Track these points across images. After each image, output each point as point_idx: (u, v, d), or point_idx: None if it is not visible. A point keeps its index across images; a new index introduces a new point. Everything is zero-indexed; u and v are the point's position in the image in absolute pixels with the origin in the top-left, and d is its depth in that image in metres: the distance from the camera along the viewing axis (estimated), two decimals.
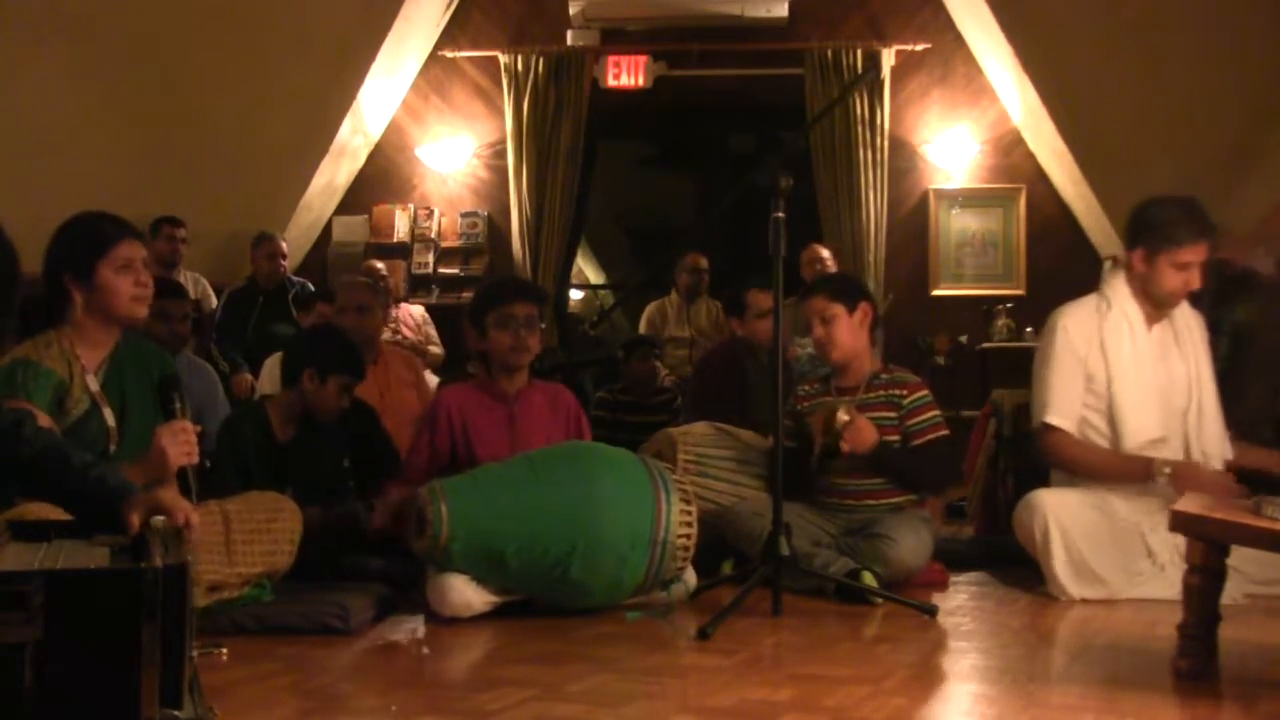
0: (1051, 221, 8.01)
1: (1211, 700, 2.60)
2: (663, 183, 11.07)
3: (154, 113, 7.46)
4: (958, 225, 8.08)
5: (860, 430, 3.89)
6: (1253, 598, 3.59)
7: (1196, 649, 2.73)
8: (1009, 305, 7.78)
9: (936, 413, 4.09)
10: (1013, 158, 8.03)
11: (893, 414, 4.06)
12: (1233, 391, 4.03)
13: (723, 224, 9.26)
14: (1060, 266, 7.80)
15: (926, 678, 2.84)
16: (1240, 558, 3.10)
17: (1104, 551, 3.71)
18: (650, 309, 7.46)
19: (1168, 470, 3.68)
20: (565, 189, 8.03)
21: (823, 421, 3.91)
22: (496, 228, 8.27)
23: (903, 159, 8.00)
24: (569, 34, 8.01)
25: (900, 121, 7.98)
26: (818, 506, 4.08)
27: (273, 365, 5.07)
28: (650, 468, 3.59)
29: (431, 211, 8.31)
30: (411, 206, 8.32)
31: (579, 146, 8.03)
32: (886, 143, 7.87)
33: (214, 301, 7.11)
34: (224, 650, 2.93)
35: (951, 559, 4.26)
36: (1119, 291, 3.89)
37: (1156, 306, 3.87)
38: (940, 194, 8.06)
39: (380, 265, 7.55)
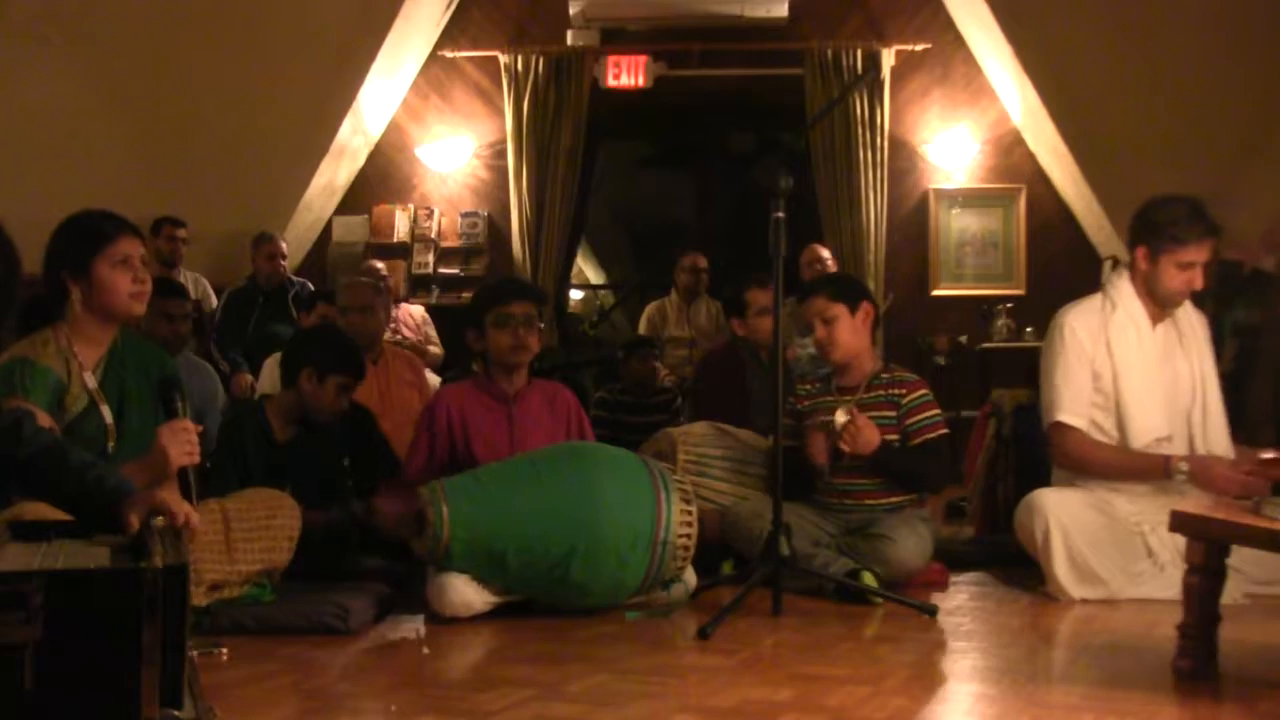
0: (1051, 221, 8.01)
1: (1211, 700, 2.60)
2: (663, 183, 11.06)
3: (154, 113, 7.46)
4: (958, 225, 8.08)
5: (861, 431, 3.89)
6: (1253, 598, 3.59)
7: (1196, 649, 2.73)
8: (1009, 305, 7.78)
9: (936, 412, 4.09)
10: (1013, 158, 8.03)
11: (892, 413, 4.06)
12: (1243, 393, 4.04)
13: (723, 224, 9.27)
14: (1060, 266, 7.80)
15: (926, 678, 2.84)
16: (1240, 558, 3.10)
17: (1104, 551, 3.71)
18: (650, 309, 7.46)
19: (1185, 467, 3.67)
20: (565, 189, 8.02)
21: (828, 435, 3.92)
22: (496, 228, 8.27)
23: (903, 159, 8.00)
24: (569, 34, 8.01)
25: (900, 121, 7.98)
26: (817, 506, 4.08)
27: (272, 365, 5.07)
28: (651, 468, 3.59)
29: (431, 211, 8.31)
30: (411, 206, 8.32)
31: (579, 146, 8.03)
32: (886, 143, 7.87)
33: (214, 301, 7.11)
34: (224, 650, 2.94)
35: (951, 559, 4.26)
36: (1123, 291, 3.89)
37: (1159, 306, 3.87)
38: (940, 194, 8.06)
39: (380, 265, 7.55)
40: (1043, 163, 7.97)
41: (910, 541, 3.87)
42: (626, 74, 7.94)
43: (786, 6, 7.71)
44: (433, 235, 8.27)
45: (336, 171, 8.08)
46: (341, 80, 7.60)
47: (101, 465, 2.30)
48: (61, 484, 2.23)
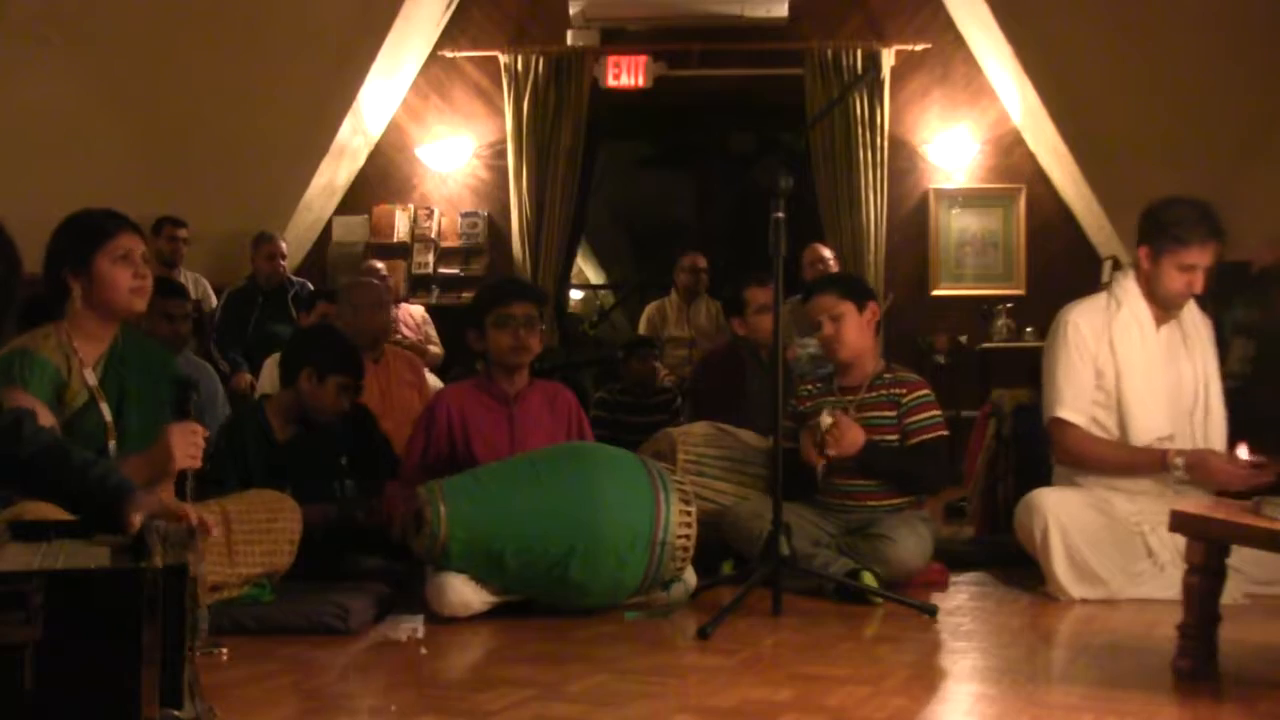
0: (1051, 221, 8.01)
1: (1211, 700, 2.61)
2: (663, 183, 11.06)
3: (154, 113, 7.47)
4: (958, 225, 8.08)
5: (844, 433, 3.88)
6: (1253, 598, 3.59)
7: (1196, 649, 2.73)
8: (1009, 305, 7.79)
9: (936, 413, 4.08)
10: (1013, 158, 8.03)
11: (892, 413, 4.06)
12: (1256, 394, 4.05)
13: (723, 224, 9.26)
14: (1060, 266, 7.81)
15: (926, 678, 2.84)
16: (1240, 558, 3.11)
17: (1104, 551, 3.71)
18: (650, 309, 7.46)
19: (1180, 461, 3.68)
20: (565, 189, 8.02)
21: (809, 437, 3.93)
22: (496, 228, 8.27)
23: (903, 159, 8.00)
24: (569, 34, 8.01)
25: (900, 121, 7.98)
26: (818, 506, 4.08)
27: (272, 365, 5.07)
28: (650, 468, 3.59)
29: (431, 211, 8.31)
30: (411, 206, 8.32)
31: (579, 146, 8.03)
32: (886, 143, 7.87)
33: (214, 301, 7.12)
34: (224, 650, 2.93)
35: (951, 559, 4.26)
36: (1129, 291, 3.89)
37: (1161, 307, 3.87)
38: (940, 194, 8.06)
39: (380, 265, 7.55)
40: (1043, 163, 7.97)
41: (910, 541, 3.87)
42: (626, 74, 7.94)
43: (786, 6, 7.71)
44: (433, 235, 8.27)
45: (336, 171, 8.08)
46: (341, 80, 7.60)
47: (103, 464, 2.30)
48: (63, 483, 2.23)
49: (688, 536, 3.51)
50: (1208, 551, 2.74)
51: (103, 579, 1.69)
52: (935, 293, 8.05)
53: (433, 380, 5.59)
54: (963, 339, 7.81)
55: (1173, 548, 3.58)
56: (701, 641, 3.12)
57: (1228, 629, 2.79)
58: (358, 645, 3.17)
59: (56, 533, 2.10)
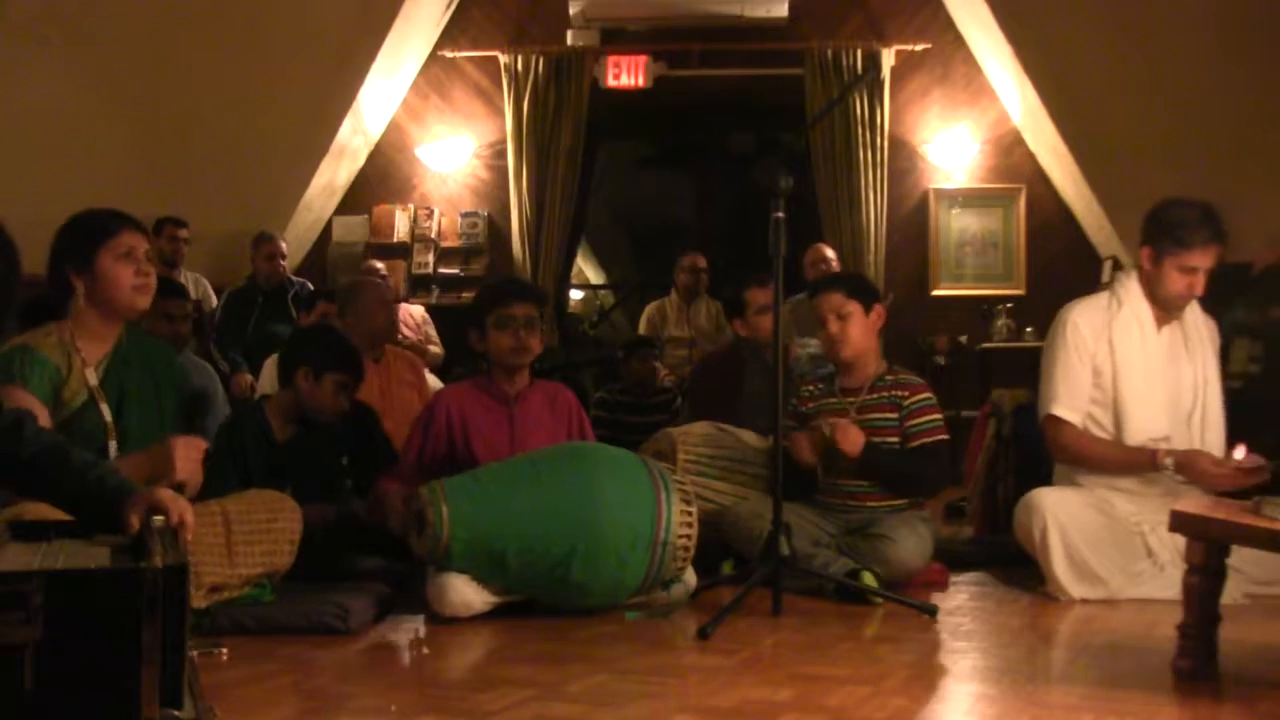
0: (1051, 221, 8.01)
1: (1211, 700, 2.61)
2: (663, 183, 11.06)
3: (154, 113, 7.47)
4: (958, 225, 8.08)
5: (845, 436, 3.90)
6: (1253, 598, 3.59)
7: (1196, 649, 2.73)
8: (1009, 305, 7.79)
9: (937, 416, 4.08)
10: (1013, 158, 8.03)
11: (894, 415, 4.06)
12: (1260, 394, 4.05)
13: (723, 224, 9.26)
14: (1060, 266, 7.81)
15: (926, 678, 2.84)
16: (1240, 558, 3.11)
17: (1104, 551, 3.71)
18: (650, 309, 7.46)
19: (1170, 461, 3.68)
20: (565, 189, 8.03)
21: (816, 442, 3.93)
22: (496, 228, 8.27)
23: (903, 159, 8.00)
24: (569, 34, 8.01)
25: (900, 121, 7.98)
26: (818, 506, 4.08)
27: (272, 365, 5.07)
28: (650, 468, 3.59)
29: (431, 211, 8.31)
30: (411, 206, 8.32)
31: (579, 146, 8.03)
32: (886, 143, 7.87)
33: (214, 301, 7.12)
34: (224, 650, 2.93)
35: (951, 559, 4.26)
36: (1131, 291, 3.90)
37: (1162, 308, 3.88)
38: (940, 194, 8.06)
39: (380, 265, 7.55)
40: (1043, 163, 7.97)
41: (910, 542, 3.87)
42: (626, 74, 7.94)
43: (786, 6, 7.71)
44: (433, 235, 8.27)
45: (336, 171, 8.08)
46: (341, 80, 7.60)
47: (103, 465, 2.30)
48: (63, 484, 2.23)
49: (689, 536, 3.51)
50: (1208, 551, 2.74)
51: (103, 579, 1.69)
52: (935, 293, 8.05)
53: (433, 380, 5.59)
54: (963, 339, 7.81)
55: (1173, 548, 3.58)
56: (701, 641, 3.12)
57: (1228, 629, 2.79)
58: (358, 645, 3.17)
59: (56, 533, 2.10)
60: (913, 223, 8.07)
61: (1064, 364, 3.88)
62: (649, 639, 3.25)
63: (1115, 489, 3.82)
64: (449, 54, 8.20)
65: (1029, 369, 4.27)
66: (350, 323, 4.90)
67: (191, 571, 1.81)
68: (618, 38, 8.10)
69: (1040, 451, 4.08)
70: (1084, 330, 3.88)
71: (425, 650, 3.21)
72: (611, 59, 7.96)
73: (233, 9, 7.31)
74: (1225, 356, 4.07)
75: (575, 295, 10.05)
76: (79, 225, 3.10)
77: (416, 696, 2.67)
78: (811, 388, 4.28)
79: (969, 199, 8.06)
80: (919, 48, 7.94)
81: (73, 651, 1.61)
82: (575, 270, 9.52)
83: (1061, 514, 3.74)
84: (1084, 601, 3.67)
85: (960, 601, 3.76)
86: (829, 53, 7.85)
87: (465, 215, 8.28)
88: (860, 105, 7.81)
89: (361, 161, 8.29)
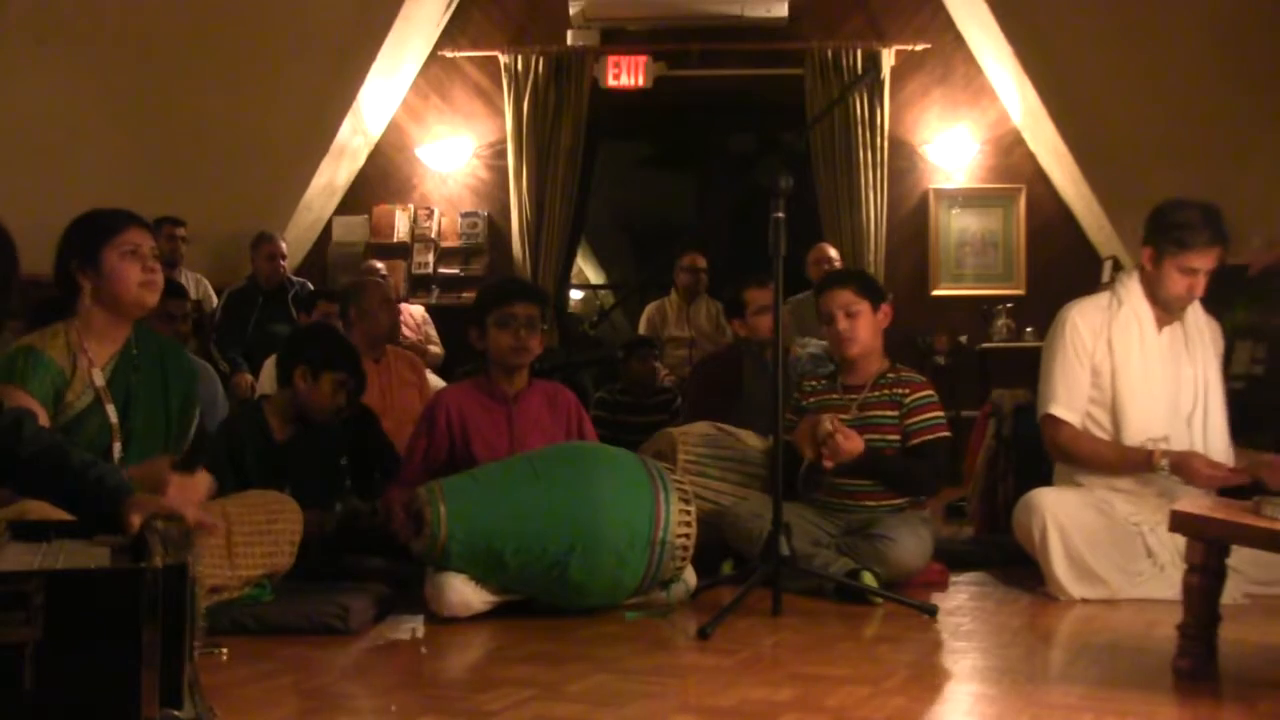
0: (1051, 221, 8.01)
1: (1211, 700, 2.61)
2: (663, 183, 11.06)
3: (154, 113, 7.47)
4: (958, 225, 8.08)
5: (843, 443, 3.86)
6: (1253, 598, 3.59)
7: (1196, 649, 2.73)
8: (1009, 305, 7.79)
9: (938, 414, 4.08)
10: (1013, 158, 8.03)
11: (895, 413, 4.06)
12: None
13: (723, 224, 9.25)
14: (1060, 266, 7.80)
15: (926, 678, 2.84)
16: (1240, 558, 3.11)
17: (1104, 551, 3.71)
18: (650, 309, 7.46)
19: (1165, 462, 3.69)
20: (565, 189, 8.03)
21: (809, 435, 3.91)
22: (496, 228, 8.27)
23: (903, 159, 8.00)
24: (569, 34, 8.01)
25: (900, 121, 7.98)
26: (818, 506, 4.08)
27: (272, 365, 5.07)
28: (649, 468, 3.59)
29: (431, 211, 8.31)
30: (411, 206, 8.32)
31: (579, 146, 8.03)
32: (886, 143, 7.87)
33: (214, 301, 7.12)
34: (224, 650, 2.93)
35: (951, 559, 4.26)
36: (1132, 291, 3.90)
37: (1163, 308, 3.87)
38: (940, 194, 8.06)
39: (380, 265, 7.55)
40: (1043, 163, 7.97)
41: (910, 542, 3.87)
42: (626, 74, 7.94)
43: (786, 6, 7.71)
44: (433, 235, 8.27)
45: (336, 171, 8.08)
46: (341, 80, 7.60)
47: (103, 465, 2.30)
48: (63, 483, 2.23)
49: (687, 536, 3.51)
50: (1208, 551, 2.74)
51: (103, 579, 1.69)
52: (935, 293, 8.05)
53: (434, 380, 5.60)
54: (963, 339, 7.81)
55: (1172, 548, 3.58)
56: (701, 641, 3.12)
57: (1228, 629, 2.80)
58: (358, 645, 3.17)
59: (56, 533, 2.10)
60: (913, 223, 8.07)
61: (1063, 363, 3.88)
62: (649, 639, 3.25)
63: (1115, 489, 3.82)
64: (449, 54, 8.20)
65: (1029, 369, 4.27)
66: (352, 322, 4.91)
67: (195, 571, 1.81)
68: (618, 38, 8.10)
69: (1040, 451, 4.08)
70: (1083, 330, 3.88)
71: (425, 650, 3.21)
72: (611, 59, 7.96)
73: (233, 9, 7.32)
74: (1228, 359, 4.06)
75: (575, 295, 10.05)
76: (84, 224, 3.11)
77: (416, 696, 2.67)
78: (813, 384, 4.27)
79: (969, 199, 8.06)
80: (919, 48, 7.94)
81: (73, 651, 1.62)
82: (575, 270, 9.52)
83: (1061, 514, 3.74)
84: (1084, 601, 3.67)
85: (960, 601, 3.76)
86: (829, 53, 7.85)
87: (465, 215, 8.28)
88: (860, 105, 7.81)
89: (361, 161, 8.29)
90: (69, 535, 2.10)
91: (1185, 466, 3.67)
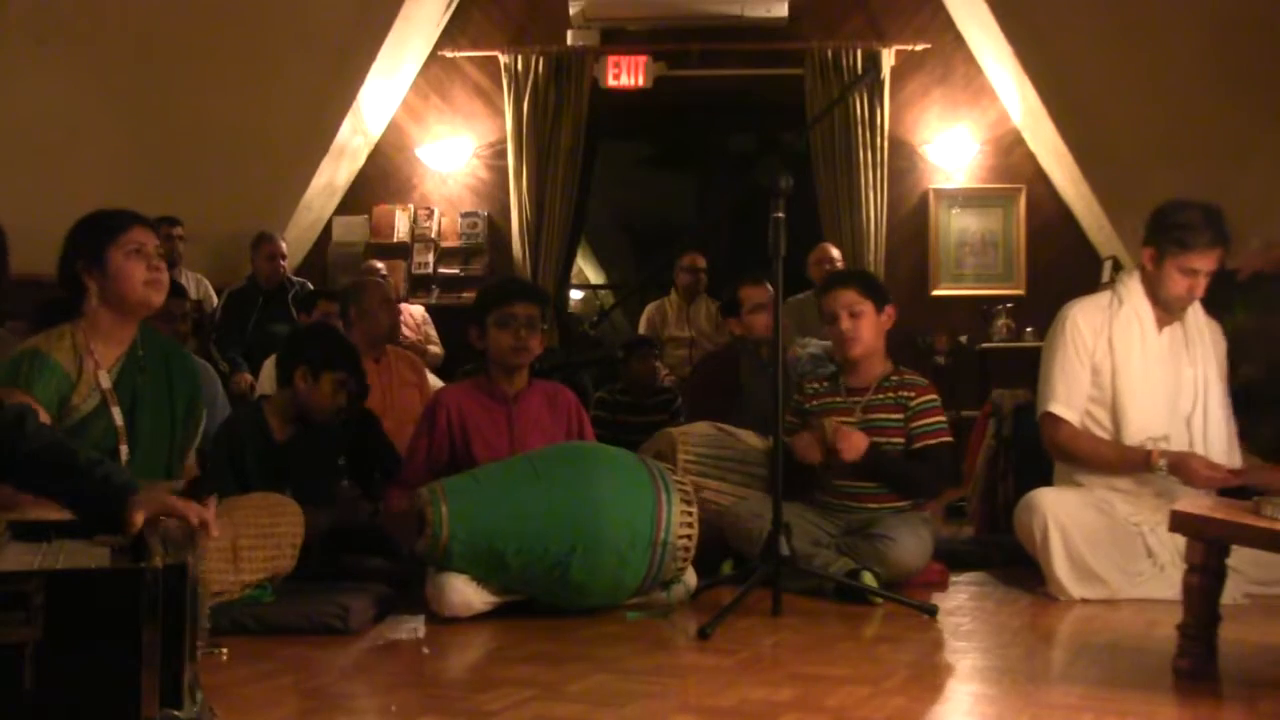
0: (1051, 221, 8.01)
1: (1211, 700, 2.61)
2: (663, 183, 11.06)
3: (154, 113, 7.47)
4: (958, 225, 8.08)
5: (847, 441, 3.90)
6: (1253, 598, 3.59)
7: (1196, 649, 2.73)
8: (1009, 305, 7.78)
9: (942, 418, 4.08)
10: (1013, 158, 8.03)
11: (899, 415, 4.06)
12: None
13: (723, 224, 9.25)
14: (1060, 266, 7.80)
15: (926, 678, 2.84)
16: (1240, 558, 3.11)
17: (1104, 551, 3.72)
18: (650, 309, 7.46)
19: (1163, 462, 3.69)
20: (565, 189, 8.02)
21: (813, 444, 3.93)
22: (496, 228, 8.27)
23: (903, 159, 8.00)
24: (569, 34, 8.01)
25: (900, 121, 7.97)
26: (818, 506, 4.08)
27: (272, 366, 5.07)
28: (651, 468, 3.59)
29: (431, 211, 8.30)
30: (411, 206, 8.32)
31: (579, 146, 8.02)
32: (886, 143, 7.86)
33: (214, 301, 7.12)
34: (224, 650, 2.93)
35: (951, 559, 4.26)
36: (1133, 290, 3.90)
37: (1163, 308, 3.88)
38: (940, 194, 8.06)
39: (380, 265, 7.55)
40: (1043, 163, 7.96)
41: (910, 542, 3.87)
42: (626, 74, 7.94)
43: (786, 6, 7.71)
44: (433, 235, 8.27)
45: (336, 171, 8.08)
46: (341, 80, 7.60)
47: (108, 463, 2.29)
48: (66, 480, 2.23)
49: (689, 537, 3.51)
50: (1208, 551, 2.74)
51: (103, 579, 1.69)
52: (935, 293, 8.04)
53: (434, 380, 5.59)
54: (963, 339, 7.81)
55: (1173, 548, 3.59)
56: (701, 641, 3.12)
57: (1228, 629, 2.80)
58: (358, 645, 3.17)
59: (56, 533, 2.10)
60: (913, 223, 8.06)
61: (1063, 362, 3.88)
62: (649, 639, 3.25)
63: (1115, 489, 3.82)
64: (449, 54, 8.20)
65: (1029, 369, 4.27)
66: (352, 322, 4.91)
67: (200, 576, 1.81)
68: (618, 38, 8.10)
69: (1040, 451, 4.08)
70: (1084, 328, 3.88)
71: (425, 650, 3.21)
72: (611, 59, 7.95)
73: (233, 9, 7.31)
74: (1230, 361, 4.06)
75: (575, 295, 10.05)
76: (89, 224, 3.12)
77: (416, 696, 2.67)
78: (816, 385, 4.27)
79: (969, 199, 8.06)
80: (919, 48, 7.93)
81: (73, 651, 1.62)
82: (575, 270, 9.51)
83: (1061, 514, 3.74)
84: (1084, 601, 3.67)
85: (960, 601, 3.76)
86: (829, 53, 7.84)
87: (465, 215, 8.28)
88: (860, 105, 7.81)
89: (361, 161, 8.29)
90: (69, 535, 2.10)
91: (1183, 467, 3.67)
